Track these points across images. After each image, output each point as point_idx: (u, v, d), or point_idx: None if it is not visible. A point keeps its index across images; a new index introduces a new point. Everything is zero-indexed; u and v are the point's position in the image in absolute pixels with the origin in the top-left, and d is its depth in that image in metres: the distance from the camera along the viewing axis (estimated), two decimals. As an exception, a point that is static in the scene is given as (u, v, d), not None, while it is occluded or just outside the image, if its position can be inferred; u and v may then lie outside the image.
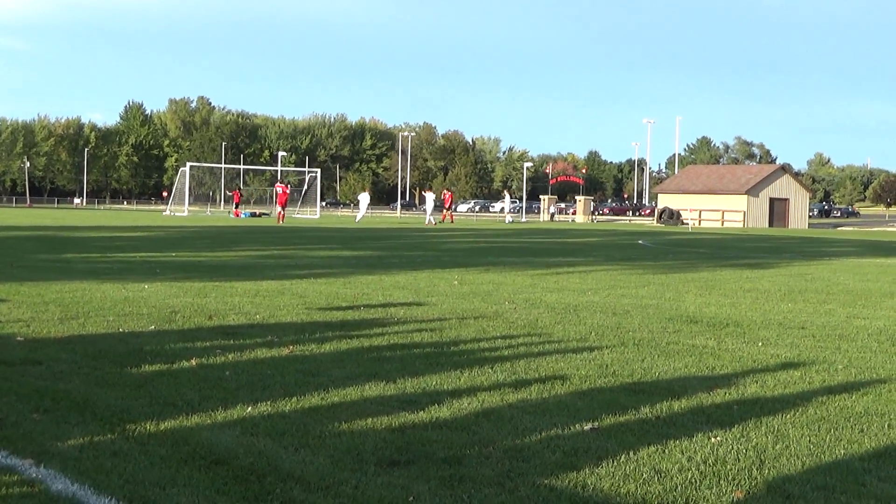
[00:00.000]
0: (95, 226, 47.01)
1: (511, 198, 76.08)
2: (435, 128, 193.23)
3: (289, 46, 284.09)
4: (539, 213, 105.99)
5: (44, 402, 6.98)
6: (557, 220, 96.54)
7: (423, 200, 67.97)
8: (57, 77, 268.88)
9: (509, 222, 73.03)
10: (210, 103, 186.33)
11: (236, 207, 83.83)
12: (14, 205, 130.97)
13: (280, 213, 66.84)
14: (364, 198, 71.19)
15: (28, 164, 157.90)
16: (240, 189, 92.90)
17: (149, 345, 9.64)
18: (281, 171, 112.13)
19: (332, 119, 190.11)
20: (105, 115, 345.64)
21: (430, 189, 78.11)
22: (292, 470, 5.49)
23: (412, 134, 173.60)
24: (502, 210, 76.46)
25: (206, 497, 5.00)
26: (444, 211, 69.12)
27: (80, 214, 77.48)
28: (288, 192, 70.18)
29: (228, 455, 5.75)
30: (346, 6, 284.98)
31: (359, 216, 66.66)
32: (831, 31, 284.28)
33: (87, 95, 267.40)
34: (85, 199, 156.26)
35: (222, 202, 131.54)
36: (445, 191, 72.44)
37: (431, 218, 63.99)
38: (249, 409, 6.93)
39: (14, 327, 10.61)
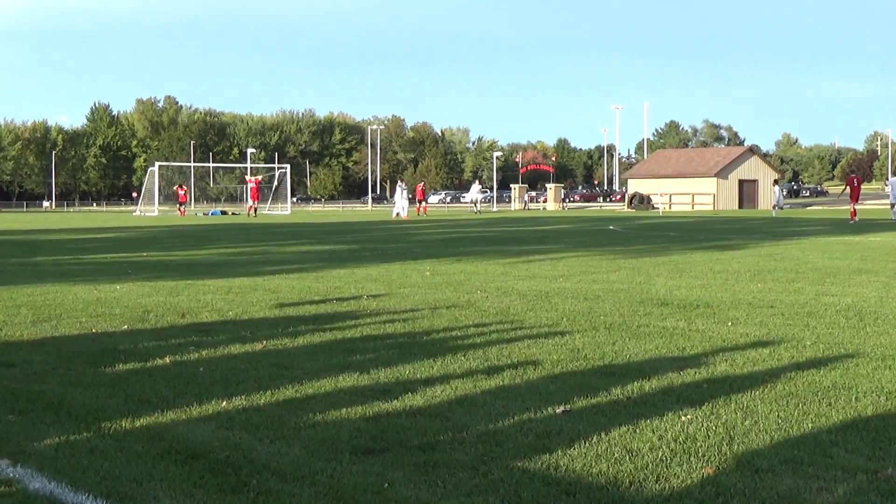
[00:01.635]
0: (65, 228, 46.78)
1: (481, 187, 74.40)
2: (403, 120, 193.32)
3: (255, 43, 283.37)
4: (510, 202, 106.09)
5: (18, 404, 7.00)
6: (530, 208, 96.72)
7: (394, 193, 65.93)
8: (22, 80, 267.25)
9: (477, 212, 72.14)
10: (177, 102, 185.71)
11: (181, 206, 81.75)
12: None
13: (251, 206, 66.50)
14: (475, 188, 71.01)
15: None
16: (182, 185, 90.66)
17: (122, 344, 9.65)
18: (251, 167, 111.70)
19: (301, 115, 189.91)
20: (72, 118, 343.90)
21: (402, 181, 76.33)
22: (268, 461, 5.54)
23: (381, 127, 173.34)
24: (472, 201, 74.19)
25: (184, 490, 5.05)
26: (418, 204, 68.76)
27: (49, 217, 77.05)
28: (259, 184, 69.57)
29: (204, 449, 5.79)
30: (308, 1, 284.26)
31: (402, 210, 61.54)
32: (797, 11, 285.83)
33: (52, 98, 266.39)
34: (54, 202, 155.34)
35: (192, 201, 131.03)
36: (418, 183, 71.17)
37: (401, 210, 61.34)
38: (224, 403, 6.97)
39: (-14, 331, 10.59)
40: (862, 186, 53.86)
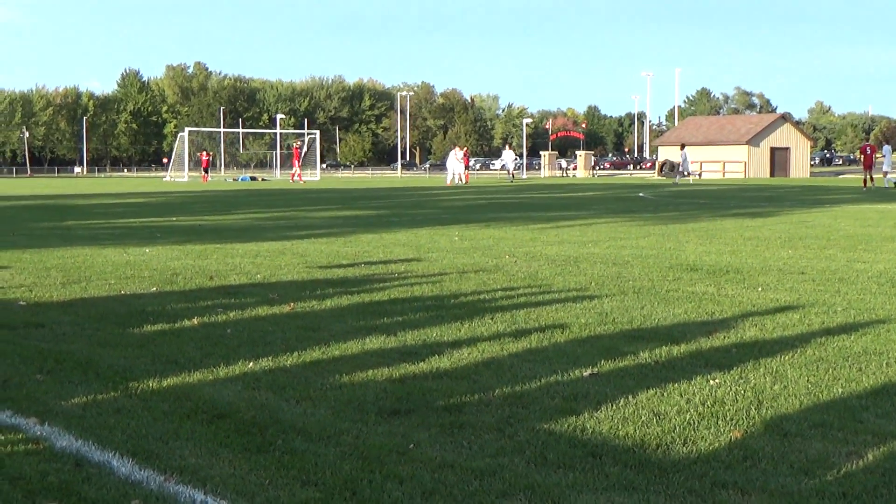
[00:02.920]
0: (96, 193, 47.02)
1: (514, 154, 70.10)
2: (433, 87, 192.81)
3: (284, 9, 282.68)
4: (540, 169, 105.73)
5: (47, 364, 7.03)
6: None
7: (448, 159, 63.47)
8: (53, 47, 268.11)
9: (511, 181, 67.07)
10: (207, 68, 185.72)
11: (205, 172, 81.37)
12: (14, 175, 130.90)
13: (296, 172, 66.32)
14: (508, 155, 69.39)
15: (27, 134, 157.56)
16: (207, 151, 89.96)
17: (150, 306, 9.68)
18: (280, 133, 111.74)
19: (330, 81, 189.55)
20: (102, 84, 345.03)
21: (457, 146, 72.18)
22: (294, 422, 5.54)
23: (410, 94, 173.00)
24: (503, 168, 69.10)
25: (209, 450, 5.05)
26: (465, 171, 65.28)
27: (80, 183, 77.49)
28: (301, 151, 69.13)
29: (230, 409, 5.80)
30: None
31: (455, 176, 60.64)
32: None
33: (83, 64, 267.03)
34: (85, 168, 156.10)
35: (222, 167, 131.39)
36: (460, 149, 67.73)
37: (455, 176, 59.94)
38: (251, 364, 6.98)
39: (17, 293, 10.65)
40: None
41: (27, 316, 9.10)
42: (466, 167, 65.50)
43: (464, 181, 60.27)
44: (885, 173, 50.45)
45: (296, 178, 67.98)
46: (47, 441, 5.19)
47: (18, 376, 6.64)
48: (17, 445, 5.13)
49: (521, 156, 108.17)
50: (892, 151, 51.38)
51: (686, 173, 61.64)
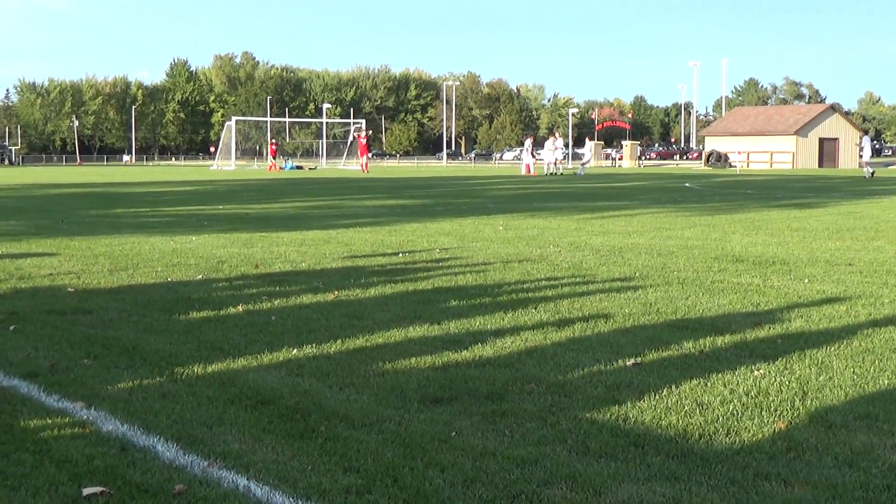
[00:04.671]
0: (144, 181, 47.42)
1: (557, 140, 66.98)
2: (479, 76, 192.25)
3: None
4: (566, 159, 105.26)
5: (94, 349, 7.11)
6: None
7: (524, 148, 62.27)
8: (102, 37, 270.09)
9: (558, 173, 60.57)
10: (254, 58, 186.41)
11: (273, 160, 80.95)
12: (64, 163, 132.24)
13: (364, 163, 65.35)
14: (588, 147, 68.79)
15: (77, 122, 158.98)
16: (276, 140, 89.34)
17: (196, 293, 9.76)
18: (326, 123, 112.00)
19: (376, 70, 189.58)
20: (151, 73, 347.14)
21: (531, 136, 69.70)
22: (336, 408, 5.57)
23: (456, 83, 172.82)
24: (553, 161, 64.17)
25: (252, 435, 5.09)
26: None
27: (129, 171, 78.17)
28: (365, 142, 67.71)
29: (274, 395, 5.84)
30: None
31: (532, 165, 60.58)
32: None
33: (132, 54, 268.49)
34: (134, 156, 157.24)
35: (268, 156, 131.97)
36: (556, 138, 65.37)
37: (552, 166, 59.53)
38: (295, 351, 7.01)
39: (65, 279, 10.78)
40: None
41: (75, 302, 9.21)
42: (535, 158, 62.56)
43: (559, 170, 59.51)
44: (866, 164, 51.59)
45: (362, 167, 66.11)
46: (94, 425, 5.25)
47: (66, 361, 6.73)
48: (64, 429, 5.19)
49: (566, 146, 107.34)
50: (871, 141, 51.94)
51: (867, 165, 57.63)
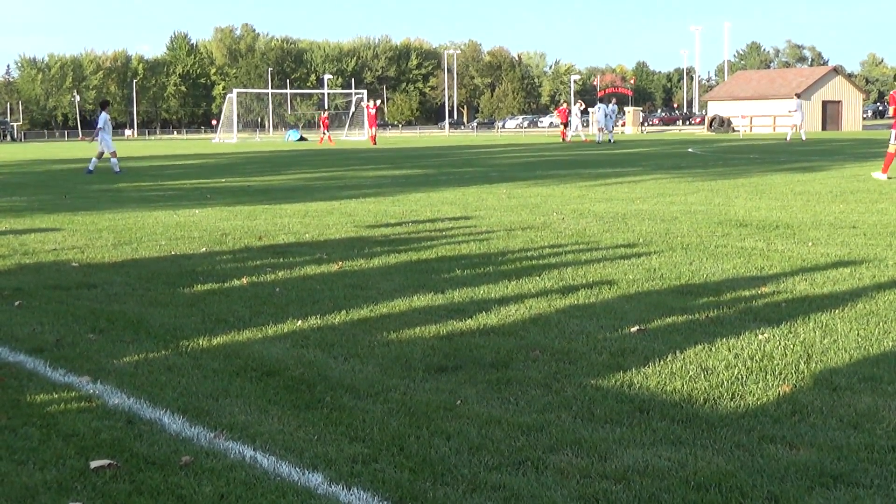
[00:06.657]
0: (146, 155, 47.35)
1: (583, 109, 64.56)
2: (480, 45, 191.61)
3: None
4: (588, 126, 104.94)
5: (99, 323, 7.13)
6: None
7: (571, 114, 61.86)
8: (103, 11, 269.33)
9: (609, 141, 54.96)
10: (254, 30, 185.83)
11: (325, 133, 79.56)
12: (66, 138, 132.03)
13: (373, 135, 64.16)
14: (578, 111, 67.13)
15: (78, 97, 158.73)
16: (326, 111, 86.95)
17: (200, 266, 9.78)
18: (328, 93, 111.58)
19: (377, 40, 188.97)
20: (152, 47, 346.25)
21: (578, 102, 68.12)
22: (342, 378, 5.58)
23: (457, 52, 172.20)
24: (579, 127, 61.78)
25: (258, 406, 5.10)
26: (562, 128, 62.85)
27: (131, 145, 78.07)
28: (374, 111, 66.39)
29: (279, 366, 5.85)
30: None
31: (579, 131, 61.34)
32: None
33: (132, 28, 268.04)
34: (136, 131, 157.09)
35: (271, 128, 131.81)
36: (560, 107, 64.11)
37: (577, 131, 60.64)
38: (299, 322, 7.03)
39: (69, 254, 10.80)
40: None
41: (80, 277, 9.23)
42: (566, 124, 62.25)
43: (583, 139, 59.15)
44: (601, 129, 53.63)
45: (371, 138, 65.09)
46: (100, 399, 5.27)
47: (72, 336, 6.74)
48: (70, 403, 5.21)
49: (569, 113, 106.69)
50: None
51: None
